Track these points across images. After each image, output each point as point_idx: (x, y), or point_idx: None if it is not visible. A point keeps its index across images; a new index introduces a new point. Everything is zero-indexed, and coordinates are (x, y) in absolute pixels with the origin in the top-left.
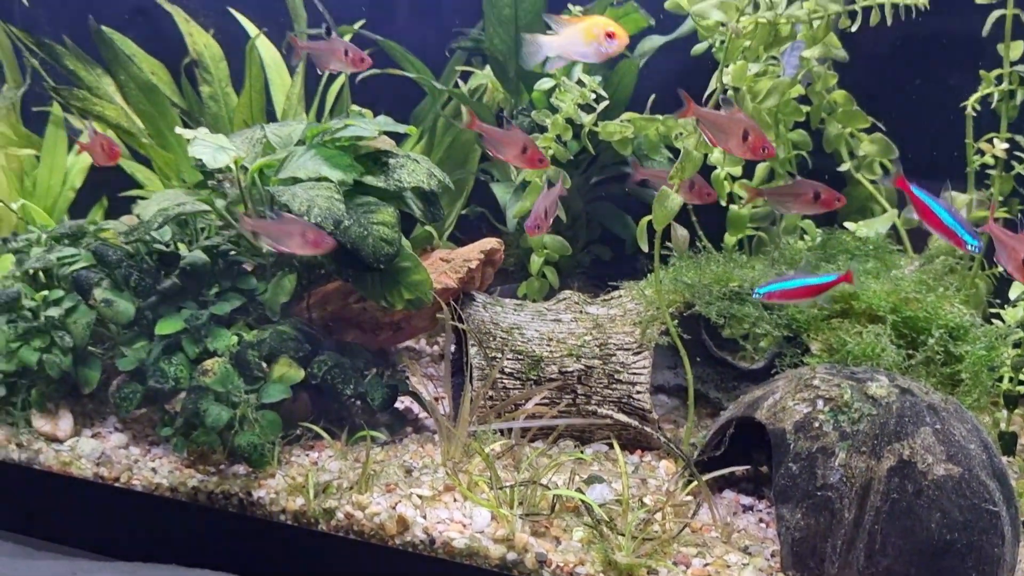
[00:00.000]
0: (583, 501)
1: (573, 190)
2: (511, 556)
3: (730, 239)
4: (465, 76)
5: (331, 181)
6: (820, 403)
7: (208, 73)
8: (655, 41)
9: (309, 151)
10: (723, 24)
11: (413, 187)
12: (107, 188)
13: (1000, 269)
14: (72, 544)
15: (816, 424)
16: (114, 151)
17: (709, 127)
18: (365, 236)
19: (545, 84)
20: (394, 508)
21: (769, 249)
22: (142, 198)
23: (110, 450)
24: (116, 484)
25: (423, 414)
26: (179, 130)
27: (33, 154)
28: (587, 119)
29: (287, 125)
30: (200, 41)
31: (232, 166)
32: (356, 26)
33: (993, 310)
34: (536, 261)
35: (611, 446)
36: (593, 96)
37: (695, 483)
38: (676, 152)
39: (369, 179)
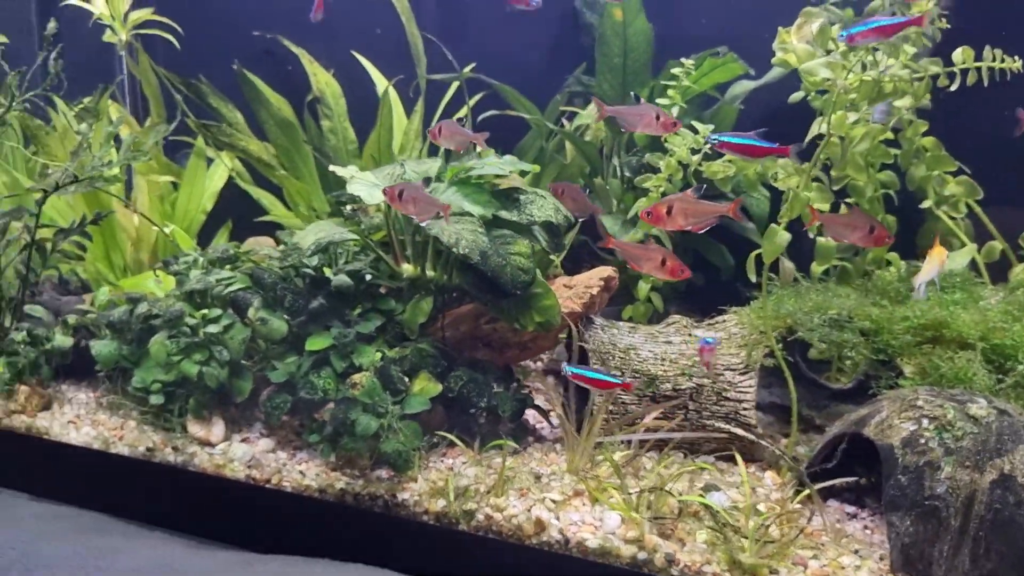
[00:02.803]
0: (706, 506)
1: None
2: (641, 555)
3: (817, 268)
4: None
5: (473, 216)
6: (925, 421)
7: (329, 109)
8: (745, 86)
9: (451, 188)
10: (828, 79)
11: (543, 221)
12: (231, 213)
13: None
14: (227, 541)
15: (922, 440)
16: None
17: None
18: (504, 266)
19: None
20: (529, 511)
21: (856, 279)
22: (279, 225)
23: (259, 454)
24: (267, 485)
25: (539, 425)
26: (333, 168)
27: (171, 181)
28: (694, 159)
29: (424, 163)
30: (322, 80)
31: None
32: (467, 70)
33: None
34: (643, 287)
35: (718, 459)
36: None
37: (803, 493)
38: (772, 189)
39: (504, 214)
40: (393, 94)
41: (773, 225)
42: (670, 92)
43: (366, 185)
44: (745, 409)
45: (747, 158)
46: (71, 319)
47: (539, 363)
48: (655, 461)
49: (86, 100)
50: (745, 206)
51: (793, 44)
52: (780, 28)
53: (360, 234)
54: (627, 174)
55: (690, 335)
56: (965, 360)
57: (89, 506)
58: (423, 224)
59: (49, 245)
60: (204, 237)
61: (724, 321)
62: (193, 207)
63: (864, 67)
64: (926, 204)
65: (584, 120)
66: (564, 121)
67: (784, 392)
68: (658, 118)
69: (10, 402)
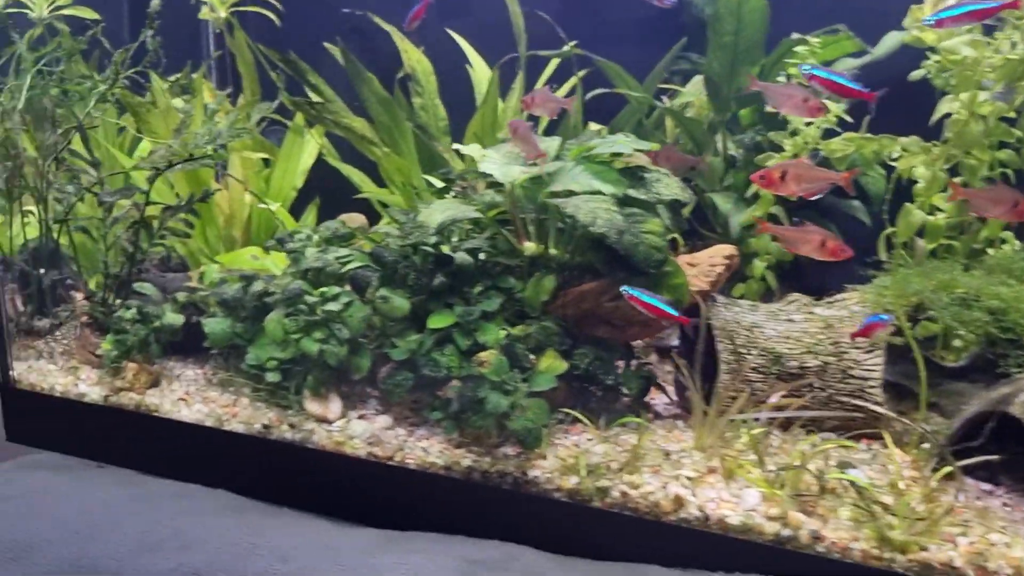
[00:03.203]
0: (851, 482)
1: (781, 200)
2: (785, 532)
3: (925, 247)
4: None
5: (603, 194)
6: None
7: (420, 86)
8: (848, 64)
9: (578, 166)
10: (970, 57)
11: (670, 200)
12: (317, 191)
13: None
14: (351, 518)
15: None
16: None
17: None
18: (637, 244)
19: None
20: (665, 488)
21: (963, 258)
22: (367, 201)
23: (378, 431)
24: (390, 463)
25: (653, 401)
26: (457, 146)
27: (263, 157)
28: (814, 134)
29: (544, 140)
30: (413, 57)
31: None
32: (569, 46)
33: None
34: (759, 265)
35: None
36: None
37: (943, 470)
38: (887, 168)
39: (632, 192)
40: (488, 74)
41: (908, 204)
42: (791, 70)
43: (499, 164)
44: (872, 387)
45: (834, 95)
46: (180, 296)
47: (641, 341)
48: (781, 439)
49: (177, 76)
50: (861, 184)
51: None
52: (912, 6)
53: (484, 212)
54: (732, 152)
55: (810, 313)
56: None
57: (203, 483)
58: (559, 201)
59: (156, 223)
60: (292, 214)
61: (844, 300)
62: (287, 184)
63: (1014, 45)
64: None
65: (687, 97)
66: (664, 98)
67: (897, 370)
68: (806, 101)
69: (117, 379)
